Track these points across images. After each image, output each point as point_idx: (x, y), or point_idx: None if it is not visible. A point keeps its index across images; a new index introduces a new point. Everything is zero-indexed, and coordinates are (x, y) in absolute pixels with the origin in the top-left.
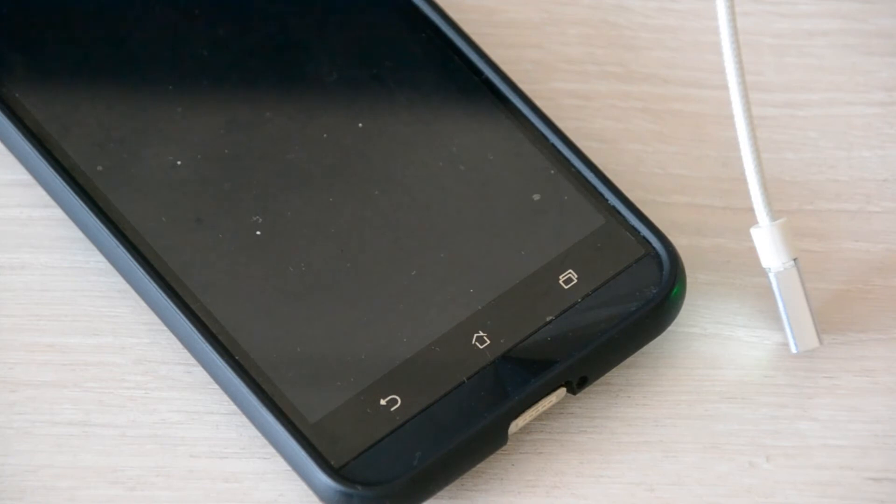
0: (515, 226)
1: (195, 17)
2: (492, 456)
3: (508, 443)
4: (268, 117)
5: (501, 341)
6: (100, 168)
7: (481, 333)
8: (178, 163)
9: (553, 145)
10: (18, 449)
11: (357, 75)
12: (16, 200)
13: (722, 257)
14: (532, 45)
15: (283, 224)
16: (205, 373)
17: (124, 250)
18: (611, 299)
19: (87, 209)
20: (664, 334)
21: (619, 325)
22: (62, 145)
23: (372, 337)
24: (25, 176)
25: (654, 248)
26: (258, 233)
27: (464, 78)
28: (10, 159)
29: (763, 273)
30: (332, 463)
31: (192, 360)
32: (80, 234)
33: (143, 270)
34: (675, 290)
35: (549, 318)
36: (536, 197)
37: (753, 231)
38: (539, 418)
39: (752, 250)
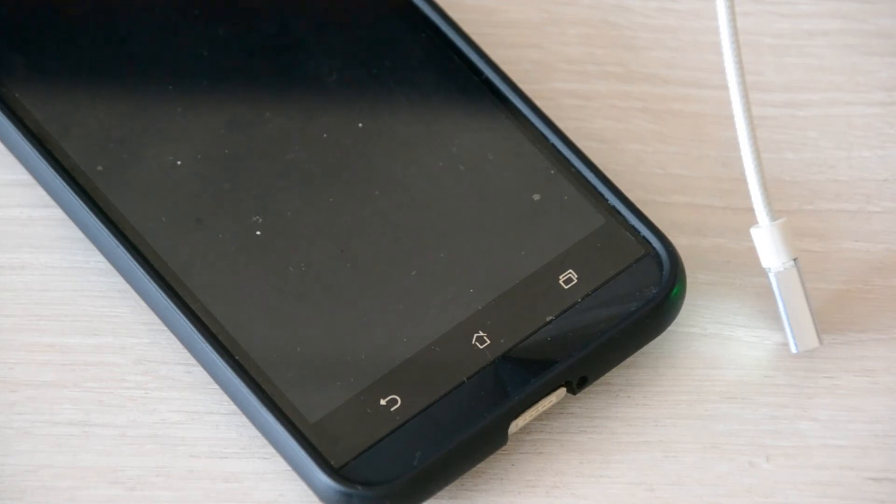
0: (515, 226)
1: (195, 17)
2: (492, 456)
3: (508, 443)
4: (268, 117)
5: (501, 341)
6: (100, 168)
7: (481, 333)
8: (178, 163)
9: (553, 145)
10: (18, 449)
11: (357, 75)
12: (16, 200)
13: (722, 257)
14: (532, 45)
15: (283, 224)
16: (205, 373)
17: (124, 250)
18: (611, 299)
19: (87, 209)
20: (664, 334)
21: (619, 325)
22: (62, 145)
23: (372, 337)
24: (25, 176)
25: (654, 248)
26: (258, 233)
27: (464, 78)
28: (10, 159)
29: (763, 273)
30: (332, 463)
31: (192, 360)
32: (80, 234)
33: (143, 270)
34: (675, 290)
35: (549, 318)
36: (536, 197)
37: (753, 231)
38: (539, 418)
39: (752, 250)
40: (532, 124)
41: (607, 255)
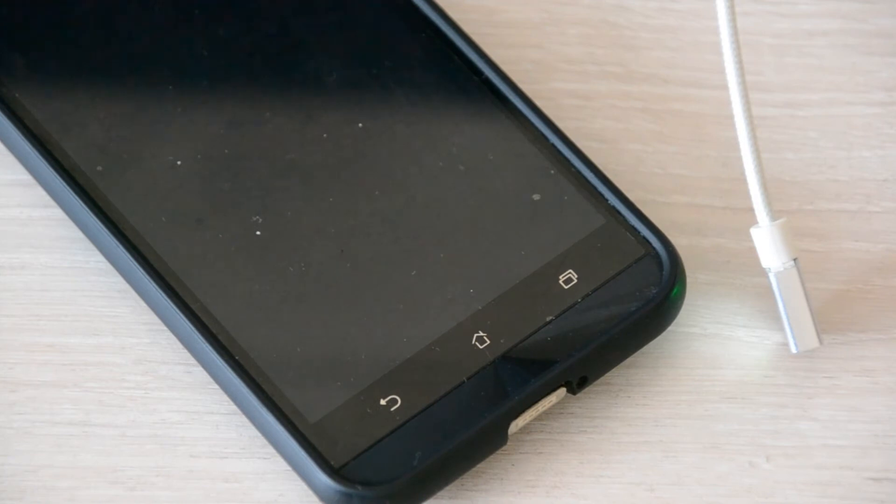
0: (515, 226)
1: (195, 17)
2: (492, 456)
3: (508, 443)
4: (268, 117)
5: (501, 341)
6: (100, 168)
7: (481, 333)
8: (178, 163)
9: (553, 145)
10: (18, 449)
11: (357, 75)
12: (16, 200)
13: (722, 257)
14: (532, 45)
15: (283, 224)
16: (205, 373)
17: (124, 250)
18: (611, 299)
19: (87, 209)
20: (664, 334)
21: (619, 325)
22: (62, 145)
23: (372, 337)
24: (25, 176)
25: (654, 248)
26: (258, 233)
27: (464, 78)
28: (10, 159)
29: (763, 273)
30: (332, 463)
31: (192, 360)
32: (80, 234)
33: (143, 270)
34: (675, 290)
35: (549, 318)
36: (536, 197)
37: (753, 231)
38: (539, 418)
39: (752, 250)
40: (532, 124)
41: (607, 255)
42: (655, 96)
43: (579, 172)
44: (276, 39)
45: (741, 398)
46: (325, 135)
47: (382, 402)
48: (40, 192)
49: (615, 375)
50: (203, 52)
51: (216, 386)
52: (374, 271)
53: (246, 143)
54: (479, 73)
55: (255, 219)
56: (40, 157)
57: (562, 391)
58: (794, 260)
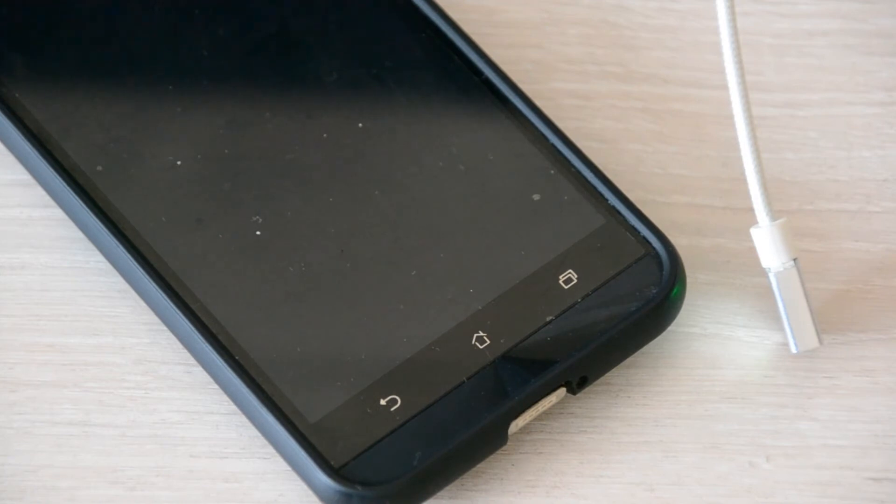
0: (515, 226)
1: (195, 17)
2: (492, 456)
3: (508, 443)
4: (268, 117)
5: (501, 341)
6: (100, 168)
7: (481, 333)
8: (178, 163)
9: (553, 145)
10: (18, 449)
11: (357, 75)
12: (16, 200)
13: (722, 257)
14: (532, 45)
15: (284, 224)
16: (205, 373)
17: (124, 250)
18: (611, 299)
19: (87, 209)
20: (664, 334)
21: (619, 325)
22: (62, 145)
23: (372, 337)
24: (25, 176)
25: (654, 248)
26: (258, 233)
27: (464, 78)
28: (10, 159)
29: (763, 273)
30: (332, 463)
31: (192, 360)
32: (80, 234)
33: (143, 270)
34: (675, 290)
35: (549, 318)
36: (536, 197)
37: (753, 231)
38: (539, 418)
39: (752, 250)
40: (532, 124)
41: (607, 255)
42: (655, 96)
43: (579, 172)
44: (276, 39)
45: (741, 398)
46: (325, 135)
47: (382, 402)
48: (40, 192)
49: (615, 375)
50: (203, 52)
51: (216, 386)
52: (374, 271)
53: (246, 143)
54: (479, 73)
55: (255, 219)
56: (40, 157)
57: (562, 391)
58: (794, 260)
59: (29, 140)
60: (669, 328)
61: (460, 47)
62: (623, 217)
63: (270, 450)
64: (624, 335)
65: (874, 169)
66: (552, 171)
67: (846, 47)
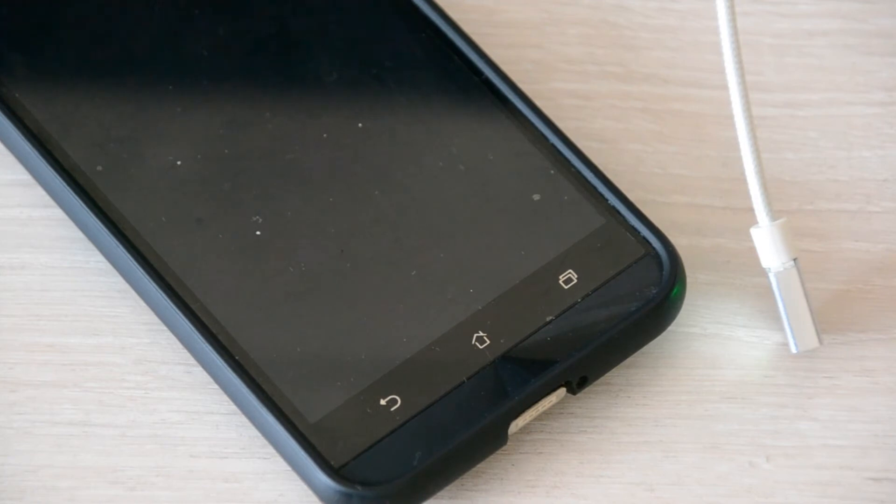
0: (515, 226)
1: (195, 17)
2: (492, 456)
3: (508, 443)
4: (268, 117)
5: (501, 341)
6: (100, 168)
7: (481, 333)
8: (178, 163)
9: (553, 145)
10: (18, 449)
11: (357, 75)
12: (16, 200)
13: (722, 257)
14: (532, 45)
15: (283, 224)
16: (205, 373)
17: (124, 250)
18: (611, 299)
19: (87, 209)
20: (664, 334)
21: (619, 325)
22: (62, 145)
23: (372, 337)
24: (25, 176)
25: (654, 249)
26: (258, 233)
27: (464, 78)
28: (10, 159)
29: (763, 273)
30: (332, 463)
31: (192, 360)
32: (80, 234)
33: (143, 270)
34: (675, 290)
35: (549, 318)
36: (536, 197)
37: (753, 231)
38: (539, 418)
39: (752, 250)
40: (532, 124)
41: (607, 256)
42: (655, 96)
43: (579, 172)
44: (276, 39)
45: (741, 398)
46: (325, 135)
47: (382, 402)
48: (40, 192)
49: (615, 375)
50: (203, 52)
51: (216, 386)
52: (374, 271)
53: (246, 143)
54: (479, 73)
55: (255, 219)
56: (40, 157)
57: (562, 391)
58: (794, 260)
59: (29, 140)
60: (669, 328)
61: (460, 47)
62: (623, 217)
63: (270, 450)
64: (624, 335)
65: (874, 169)
66: (552, 171)
67: (846, 47)
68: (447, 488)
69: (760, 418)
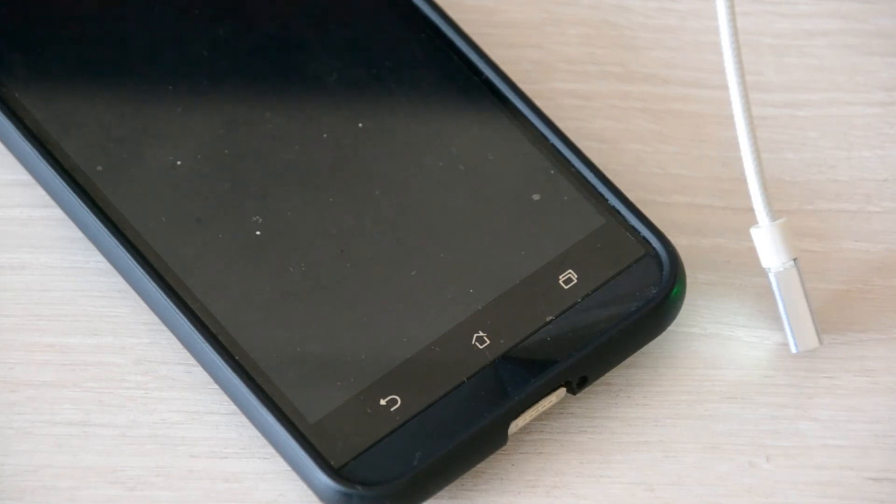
0: (515, 226)
1: (195, 17)
2: (492, 456)
3: (508, 443)
4: (268, 117)
5: (501, 341)
6: (100, 168)
7: (481, 333)
8: (178, 163)
9: (553, 145)
10: (18, 449)
11: (357, 75)
12: (16, 200)
13: (722, 257)
14: (532, 45)
15: (283, 224)
16: (205, 373)
17: (124, 250)
18: (611, 299)
19: (87, 209)
20: (664, 334)
21: (619, 325)
22: (62, 145)
23: (372, 337)
24: (25, 176)
25: (654, 249)
26: (258, 233)
27: (464, 78)
28: (10, 159)
29: (763, 273)
30: (332, 463)
31: (192, 360)
32: (80, 234)
33: (143, 270)
34: (675, 290)
35: (549, 318)
36: (536, 197)
37: (753, 231)
38: (539, 418)
39: (752, 250)
40: (532, 124)
41: (607, 256)
42: (655, 96)
43: (579, 172)
44: (276, 39)
45: (741, 398)
46: (325, 135)
47: (382, 402)
48: (40, 192)
49: (615, 375)
50: (203, 52)
51: (216, 386)
52: (374, 271)
53: (246, 143)
54: (479, 73)
55: (255, 219)
56: (40, 157)
57: (562, 391)
58: (794, 260)
59: (29, 140)
60: (669, 328)
61: (460, 47)
62: (623, 217)
63: (270, 450)
64: (624, 335)
65: (874, 169)
66: (552, 171)
67: (846, 47)
68: (447, 488)
69: (760, 418)
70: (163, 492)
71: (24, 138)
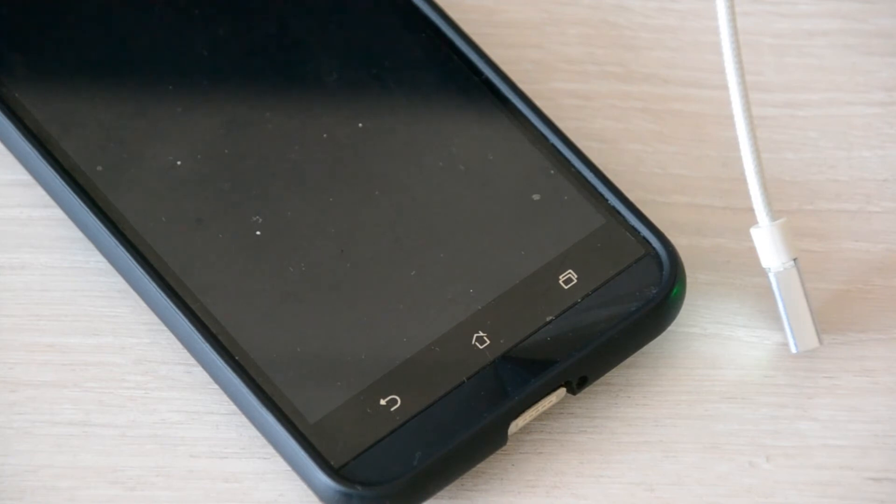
0: (515, 226)
1: (195, 17)
2: (492, 456)
3: (508, 443)
4: (268, 117)
5: (501, 341)
6: (100, 168)
7: (481, 333)
8: (178, 163)
9: (553, 145)
10: (18, 449)
11: (357, 75)
12: (16, 200)
13: (722, 257)
14: (532, 45)
15: (284, 224)
16: (205, 373)
17: (124, 250)
18: (611, 299)
19: (87, 209)
20: (664, 334)
21: (619, 325)
22: (62, 145)
23: (372, 337)
24: (25, 176)
25: (653, 249)
26: (258, 233)
27: (464, 78)
28: (10, 159)
29: (763, 273)
30: (332, 463)
31: (192, 360)
32: (80, 234)
33: (143, 270)
34: (674, 290)
35: (548, 318)
36: (536, 197)
37: (753, 231)
38: (539, 418)
39: (752, 250)
40: (532, 124)
41: (607, 256)
42: (655, 96)
43: (579, 172)
44: (276, 39)
45: (741, 398)
46: (325, 135)
47: (382, 402)
48: (40, 192)
49: (615, 375)
50: (203, 52)
51: (216, 386)
52: (374, 271)
53: (246, 143)
54: (479, 73)
55: (255, 219)
56: (40, 157)
57: (562, 391)
58: (794, 260)
59: (29, 140)
60: (669, 328)
61: (460, 47)
62: (623, 217)
63: (270, 450)
64: (624, 335)
65: (874, 169)
66: (552, 171)
67: (846, 47)
68: (447, 488)
69: (760, 418)
70: (163, 492)
71: (24, 138)
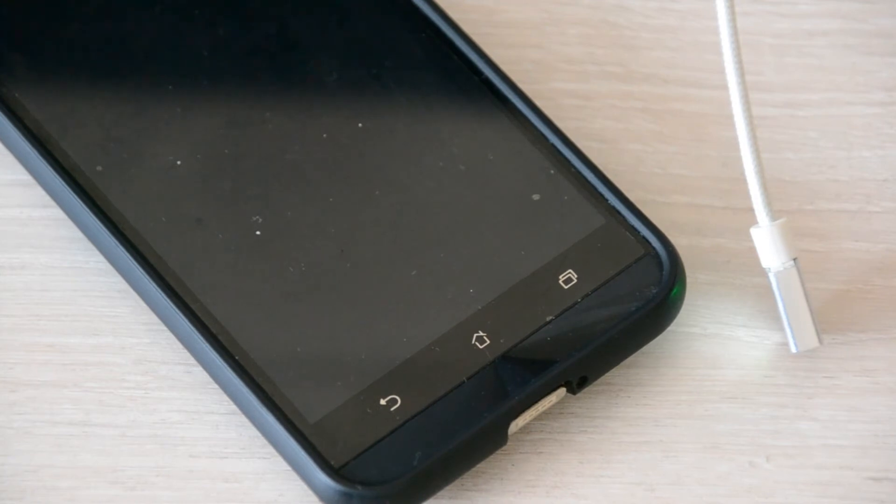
0: (515, 226)
1: (195, 17)
2: (492, 456)
3: (508, 443)
4: (268, 117)
5: (501, 341)
6: (100, 168)
7: (481, 333)
8: (178, 163)
9: (553, 145)
10: (18, 449)
11: (357, 75)
12: (16, 200)
13: (722, 257)
14: (532, 45)
15: (283, 224)
16: (205, 373)
17: (124, 250)
18: (611, 299)
19: (87, 209)
20: (664, 334)
21: (619, 324)
22: (62, 145)
23: (372, 337)
24: (25, 176)
25: (653, 248)
26: (258, 233)
27: (464, 78)
28: (10, 159)
29: (763, 273)
30: (332, 463)
31: (192, 360)
32: (80, 234)
33: (143, 270)
34: (674, 290)
35: (548, 318)
36: (536, 197)
37: (753, 231)
38: (539, 418)
39: (752, 250)
40: (532, 124)
41: (607, 255)
42: (655, 96)
43: (579, 172)
44: (276, 39)
45: (741, 398)
46: (325, 135)
47: (382, 402)
48: (40, 192)
49: (615, 375)
50: (203, 52)
51: (216, 386)
52: (374, 271)
53: (246, 143)
54: (479, 73)
55: (255, 219)
56: (40, 157)
57: (562, 391)
58: (794, 260)
59: (29, 140)
60: (669, 328)
61: (460, 47)
62: (623, 217)
63: (270, 450)
64: (624, 335)
65: (874, 169)
66: (552, 171)
67: (846, 47)
68: (447, 488)
69: (760, 418)
70: (163, 492)
71: (24, 138)
